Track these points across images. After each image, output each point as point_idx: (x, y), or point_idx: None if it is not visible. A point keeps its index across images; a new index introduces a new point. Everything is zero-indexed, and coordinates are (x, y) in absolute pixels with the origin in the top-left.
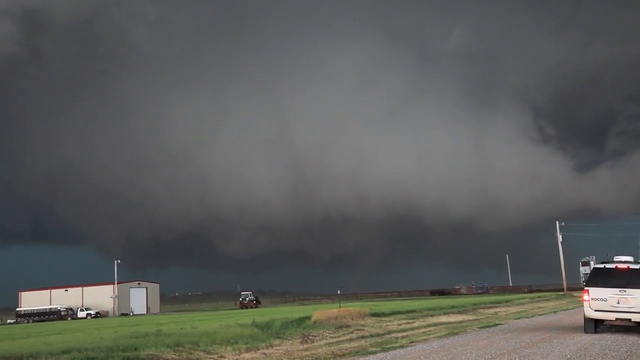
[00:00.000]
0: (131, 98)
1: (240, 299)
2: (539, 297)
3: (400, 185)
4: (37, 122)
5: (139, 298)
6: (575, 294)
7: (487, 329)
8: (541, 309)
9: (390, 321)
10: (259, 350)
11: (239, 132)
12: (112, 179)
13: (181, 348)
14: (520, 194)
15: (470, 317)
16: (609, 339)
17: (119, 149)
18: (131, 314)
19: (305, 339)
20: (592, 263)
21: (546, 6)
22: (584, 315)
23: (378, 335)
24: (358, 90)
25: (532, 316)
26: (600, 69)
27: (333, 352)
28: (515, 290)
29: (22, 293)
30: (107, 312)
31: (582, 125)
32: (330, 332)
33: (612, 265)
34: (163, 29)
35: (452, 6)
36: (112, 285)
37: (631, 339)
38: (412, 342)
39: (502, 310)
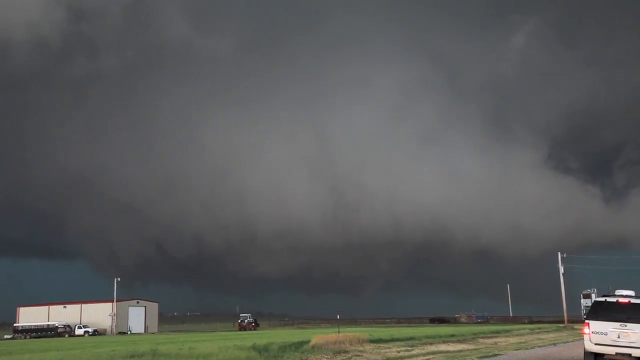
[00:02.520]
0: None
1: (239, 321)
2: (539, 328)
3: (428, 211)
4: (41, 128)
5: (138, 317)
6: (576, 326)
7: (486, 359)
8: (541, 341)
9: (389, 348)
10: None
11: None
12: (120, 192)
13: None
14: (542, 223)
15: (470, 347)
16: None
17: (134, 162)
18: (129, 332)
19: None
20: (593, 296)
21: (578, 39)
22: (584, 348)
23: None
24: (396, 111)
25: (531, 347)
26: (622, 101)
27: None
28: (516, 320)
29: (20, 308)
30: (105, 330)
31: (605, 156)
32: (328, 357)
33: (614, 299)
34: (200, 41)
35: (487, 37)
36: (110, 303)
37: None
38: None
39: (501, 340)
